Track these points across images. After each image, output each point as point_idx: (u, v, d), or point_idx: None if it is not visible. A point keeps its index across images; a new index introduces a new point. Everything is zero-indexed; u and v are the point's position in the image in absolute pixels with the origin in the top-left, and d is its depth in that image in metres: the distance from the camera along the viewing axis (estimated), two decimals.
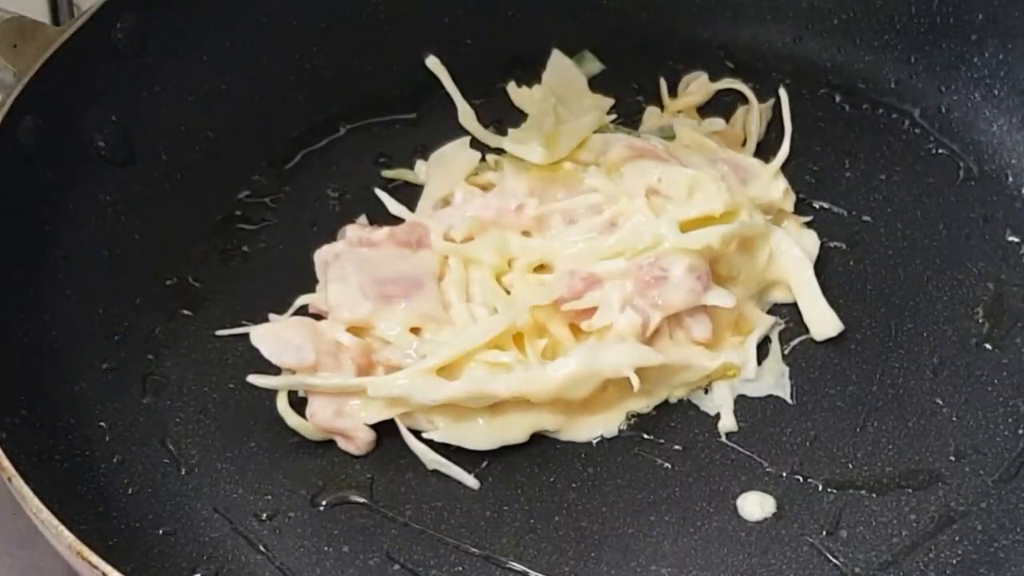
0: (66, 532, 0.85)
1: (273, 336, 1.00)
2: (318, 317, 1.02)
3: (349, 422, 0.98)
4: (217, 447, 1.00)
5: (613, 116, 1.15)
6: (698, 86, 1.21)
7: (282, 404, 1.00)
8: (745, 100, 1.19)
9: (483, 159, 1.13)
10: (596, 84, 1.21)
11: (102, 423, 1.00)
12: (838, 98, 1.22)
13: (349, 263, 1.03)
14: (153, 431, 1.01)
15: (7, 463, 0.88)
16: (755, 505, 0.96)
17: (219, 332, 1.05)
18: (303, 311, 1.04)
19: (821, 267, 1.07)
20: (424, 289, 1.02)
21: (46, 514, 0.86)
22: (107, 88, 1.11)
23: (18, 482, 0.87)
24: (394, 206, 1.12)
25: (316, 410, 0.99)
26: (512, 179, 1.09)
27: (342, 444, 0.99)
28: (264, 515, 0.96)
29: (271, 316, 1.04)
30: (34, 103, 1.04)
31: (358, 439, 0.98)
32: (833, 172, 1.15)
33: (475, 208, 1.07)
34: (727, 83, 1.20)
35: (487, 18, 1.25)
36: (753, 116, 1.17)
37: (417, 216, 1.10)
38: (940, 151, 1.17)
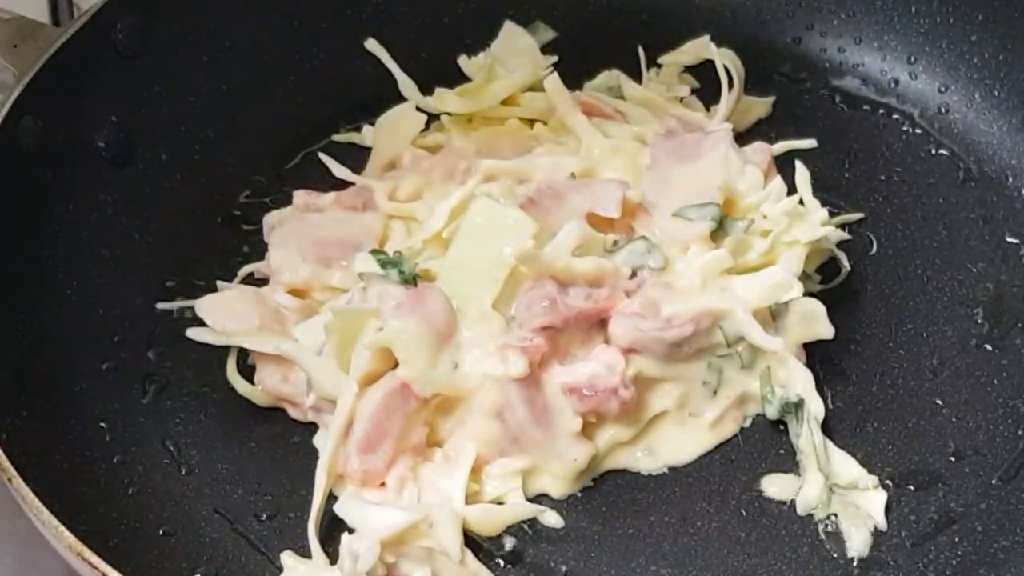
0: (66, 532, 0.85)
1: (217, 305, 1.01)
2: (265, 283, 1.04)
3: (294, 387, 0.99)
4: (217, 447, 1.00)
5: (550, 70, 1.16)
6: (692, 46, 1.22)
7: (231, 371, 1.01)
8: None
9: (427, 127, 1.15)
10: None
11: (102, 423, 1.00)
12: (838, 98, 1.22)
13: (292, 227, 1.05)
14: (153, 431, 1.01)
15: (7, 463, 0.88)
16: (778, 486, 0.97)
17: (160, 305, 1.06)
18: (250, 279, 1.06)
19: (821, 268, 1.07)
20: (362, 250, 1.02)
21: (46, 514, 0.86)
22: (107, 88, 1.11)
23: (18, 482, 0.87)
24: (339, 170, 1.13)
25: (264, 376, 1.00)
26: (458, 140, 1.11)
27: (291, 412, 1.00)
28: (264, 515, 0.96)
29: (218, 284, 1.04)
30: (34, 103, 1.04)
31: (303, 405, 0.99)
32: (833, 172, 1.15)
33: (423, 169, 1.08)
34: (722, 54, 1.19)
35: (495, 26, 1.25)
36: (724, 98, 1.16)
37: (364, 179, 1.12)
38: (940, 152, 1.17)
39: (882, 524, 0.94)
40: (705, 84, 1.20)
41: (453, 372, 0.95)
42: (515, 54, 1.19)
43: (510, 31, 1.22)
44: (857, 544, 0.93)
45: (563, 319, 0.95)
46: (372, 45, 1.20)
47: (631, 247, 0.99)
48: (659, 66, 1.23)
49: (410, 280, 0.97)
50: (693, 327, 0.96)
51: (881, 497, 0.94)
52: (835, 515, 0.94)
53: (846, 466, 0.96)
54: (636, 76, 1.20)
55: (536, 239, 0.96)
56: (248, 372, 1.01)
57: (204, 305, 1.01)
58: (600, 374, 0.95)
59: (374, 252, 1.00)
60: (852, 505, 0.95)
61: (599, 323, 0.98)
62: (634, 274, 0.99)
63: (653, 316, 0.96)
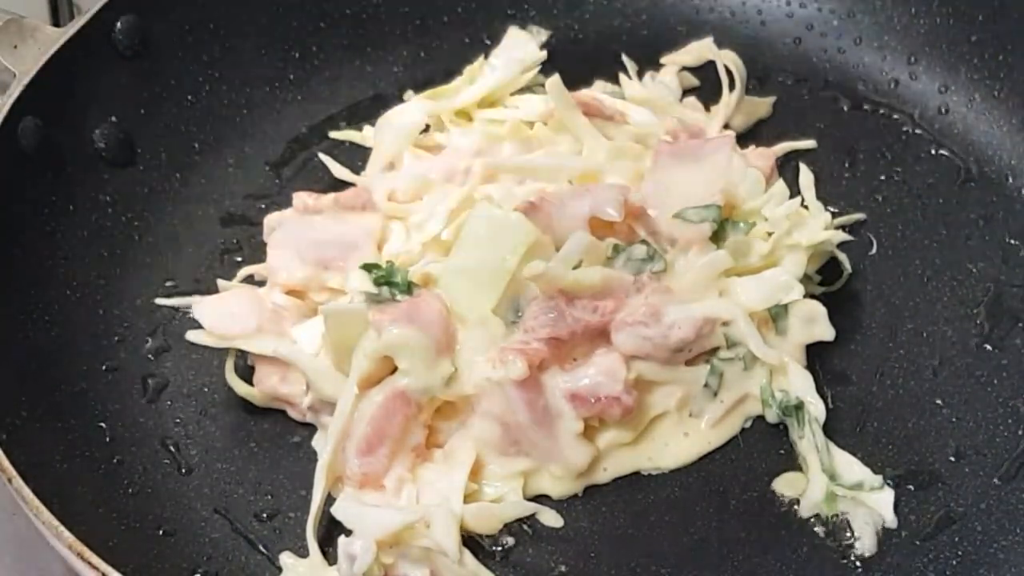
0: (66, 532, 0.85)
1: (214, 308, 1.01)
2: (263, 284, 1.04)
3: (293, 388, 0.99)
4: (217, 447, 1.00)
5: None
6: (695, 47, 1.22)
7: (229, 373, 1.01)
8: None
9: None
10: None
11: (102, 423, 1.00)
12: (838, 98, 1.22)
13: (291, 228, 1.05)
14: (153, 431, 1.01)
15: (7, 464, 0.88)
16: (787, 483, 0.97)
17: (158, 300, 1.05)
18: (250, 279, 1.06)
19: (821, 268, 1.07)
20: (360, 252, 1.02)
21: (46, 515, 0.86)
22: (107, 88, 1.11)
23: (18, 483, 0.87)
24: (338, 170, 1.13)
25: (262, 377, 1.00)
26: (458, 140, 1.11)
27: (290, 412, 1.00)
28: (264, 515, 0.96)
29: (219, 283, 1.04)
30: (34, 104, 1.05)
31: (301, 406, 0.99)
32: (833, 172, 1.15)
33: (423, 169, 1.08)
34: (723, 55, 1.19)
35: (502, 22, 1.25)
36: (724, 100, 1.17)
37: (363, 179, 1.12)
38: (940, 152, 1.17)
39: (892, 522, 0.94)
40: (705, 84, 1.20)
41: (453, 378, 0.95)
42: (515, 57, 1.19)
43: (513, 35, 1.22)
44: (865, 543, 0.93)
45: (570, 331, 0.95)
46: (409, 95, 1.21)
47: (630, 251, 0.99)
48: (660, 66, 1.23)
49: (405, 289, 0.97)
50: (695, 332, 0.96)
51: (888, 495, 0.94)
52: (837, 515, 0.94)
53: (850, 467, 0.96)
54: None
55: (537, 246, 0.96)
56: (247, 372, 1.01)
57: (201, 308, 1.01)
58: (602, 382, 0.95)
59: (367, 266, 0.98)
60: (859, 504, 0.94)
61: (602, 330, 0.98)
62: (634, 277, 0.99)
63: (655, 323, 0.96)
